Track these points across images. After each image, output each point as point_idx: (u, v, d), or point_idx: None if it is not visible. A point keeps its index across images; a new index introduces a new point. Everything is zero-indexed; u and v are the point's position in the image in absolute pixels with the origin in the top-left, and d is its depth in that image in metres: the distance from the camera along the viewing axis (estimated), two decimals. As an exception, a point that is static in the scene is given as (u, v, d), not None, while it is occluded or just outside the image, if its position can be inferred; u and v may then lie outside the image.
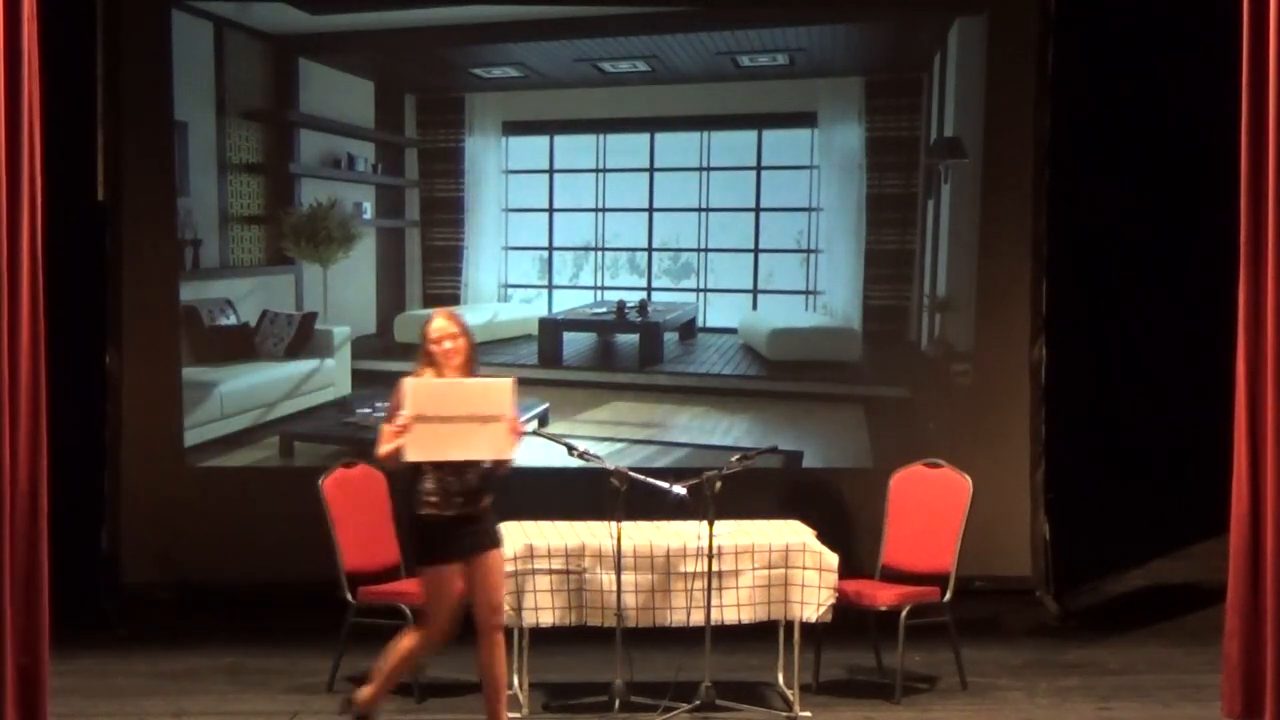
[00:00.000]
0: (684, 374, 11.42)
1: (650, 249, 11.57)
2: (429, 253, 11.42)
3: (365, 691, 7.37)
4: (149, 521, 10.56)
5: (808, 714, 8.01)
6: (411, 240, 11.43)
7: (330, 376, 11.12)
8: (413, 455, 7.07)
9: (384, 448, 7.13)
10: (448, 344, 7.26)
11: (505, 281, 11.53)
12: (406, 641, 7.31)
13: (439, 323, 7.35)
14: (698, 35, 11.15)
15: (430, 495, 7.16)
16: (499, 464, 7.22)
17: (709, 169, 11.46)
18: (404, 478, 7.25)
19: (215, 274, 10.96)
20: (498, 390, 7.08)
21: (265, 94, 11.08)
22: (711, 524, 7.78)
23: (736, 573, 7.95)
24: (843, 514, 9.27)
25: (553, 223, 11.51)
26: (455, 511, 7.14)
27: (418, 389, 7.10)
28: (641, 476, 7.91)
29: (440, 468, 7.13)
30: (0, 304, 6.62)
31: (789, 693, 8.15)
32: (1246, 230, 7.09)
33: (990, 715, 8.12)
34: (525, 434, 7.30)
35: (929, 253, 11.15)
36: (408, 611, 8.20)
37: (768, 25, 11.06)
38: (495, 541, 7.33)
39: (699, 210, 11.41)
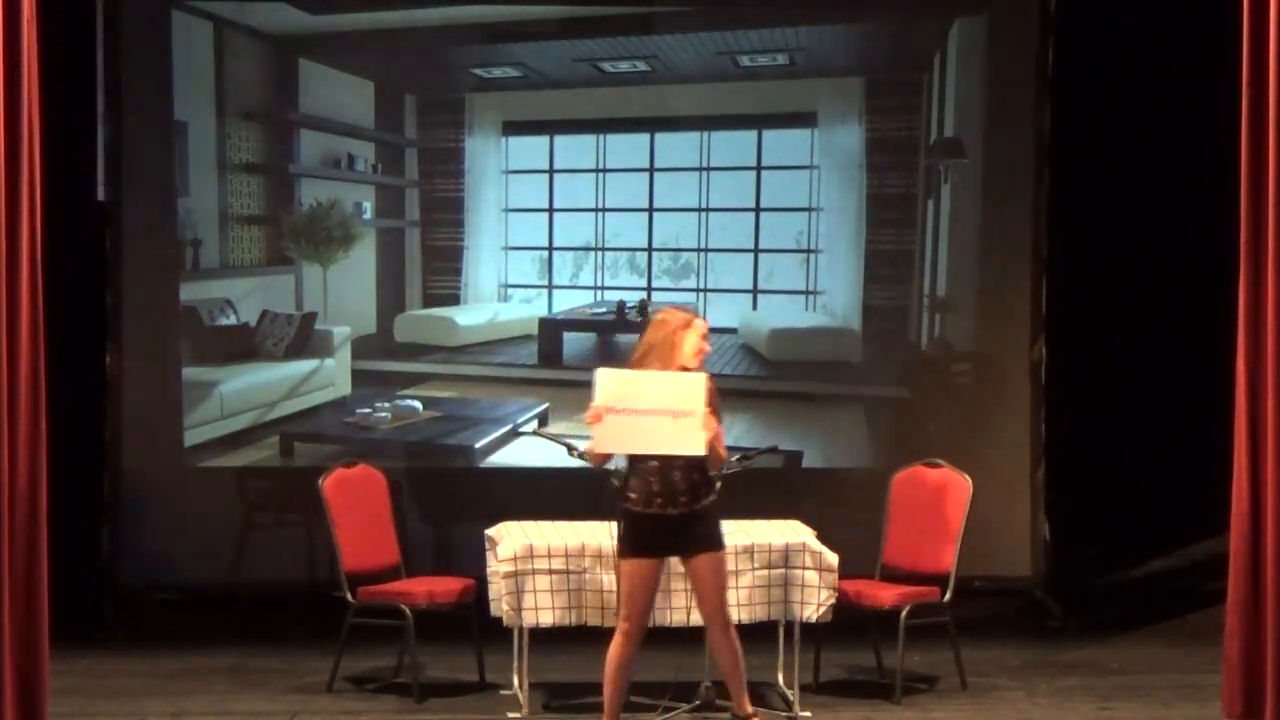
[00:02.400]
0: (684, 374, 11.40)
1: (650, 249, 11.57)
2: (429, 253, 11.41)
3: None
4: (149, 521, 10.55)
5: (808, 714, 8.01)
6: (411, 240, 11.43)
7: (330, 376, 11.12)
8: (601, 447, 7.10)
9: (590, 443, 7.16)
10: (708, 346, 7.24)
11: (505, 281, 11.53)
12: (612, 651, 7.27)
13: (701, 323, 7.26)
14: (698, 35, 11.14)
15: (633, 490, 7.19)
16: (714, 463, 7.19)
17: (709, 169, 11.45)
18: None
19: (215, 274, 10.95)
20: (690, 385, 7.01)
21: (265, 94, 11.08)
22: (711, 524, 7.77)
23: (736, 573, 7.94)
24: (843, 514, 9.26)
25: (553, 223, 11.51)
26: (656, 510, 7.14)
27: (609, 379, 7.05)
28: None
29: (649, 464, 7.13)
30: None
31: (789, 693, 8.15)
32: (1246, 230, 7.09)
33: (990, 715, 8.12)
34: (720, 429, 7.19)
35: (929, 253, 11.14)
36: (407, 611, 8.22)
37: (768, 25, 11.05)
38: (711, 544, 7.29)
39: (699, 210, 11.40)
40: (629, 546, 7.23)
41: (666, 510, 7.16)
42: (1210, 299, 8.55)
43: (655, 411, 6.98)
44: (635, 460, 7.20)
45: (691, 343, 7.18)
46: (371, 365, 11.22)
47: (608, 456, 7.23)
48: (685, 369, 7.15)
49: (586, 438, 7.28)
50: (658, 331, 7.24)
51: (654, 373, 7.14)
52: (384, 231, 11.36)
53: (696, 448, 7.04)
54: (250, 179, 11.04)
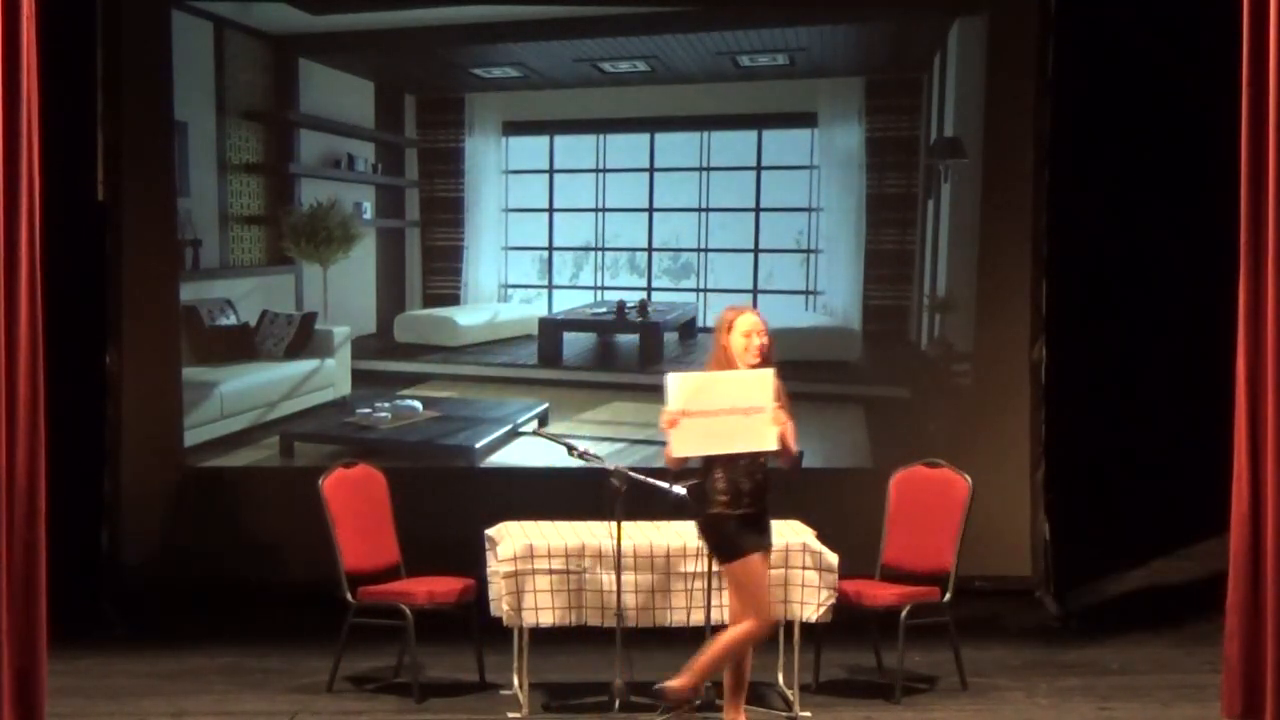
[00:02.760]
0: (684, 374, 11.40)
1: (650, 249, 11.57)
2: (429, 253, 11.42)
3: (680, 681, 7.26)
4: (149, 521, 10.56)
5: (808, 714, 8.01)
6: (411, 240, 11.43)
7: (330, 376, 11.12)
8: (679, 451, 7.13)
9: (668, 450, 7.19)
10: (757, 340, 7.24)
11: (505, 281, 11.54)
12: (737, 634, 7.24)
13: (751, 318, 7.29)
14: (698, 35, 11.15)
15: (721, 494, 7.20)
16: (786, 460, 7.27)
17: (709, 169, 11.46)
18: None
19: (215, 274, 10.96)
20: (759, 381, 7.09)
21: (265, 94, 11.08)
22: (712, 524, 7.77)
23: (736, 573, 7.94)
24: (843, 514, 9.25)
25: (553, 223, 11.52)
26: (743, 510, 7.19)
27: (680, 383, 7.11)
28: (641, 476, 7.90)
29: (730, 466, 7.17)
30: (-1, 304, 6.63)
31: (789, 693, 8.14)
32: (1246, 230, 7.09)
33: (990, 715, 8.12)
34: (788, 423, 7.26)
35: (929, 253, 11.14)
36: (407, 611, 8.21)
37: (768, 25, 11.05)
38: (769, 544, 7.37)
39: (699, 210, 11.41)
40: (739, 547, 7.21)
41: (752, 509, 7.23)
42: (1210, 299, 8.54)
43: (726, 411, 7.07)
44: (721, 461, 7.21)
45: (738, 343, 7.24)
46: (371, 365, 11.22)
47: (685, 460, 7.25)
48: (751, 366, 7.22)
49: (586, 438, 7.28)
50: (713, 338, 7.36)
51: (721, 373, 7.22)
52: (384, 231, 11.36)
53: (768, 443, 7.14)
54: (250, 179, 11.04)
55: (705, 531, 7.33)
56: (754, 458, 7.20)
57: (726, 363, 7.26)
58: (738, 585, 7.24)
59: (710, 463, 7.21)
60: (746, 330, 7.23)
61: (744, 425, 7.06)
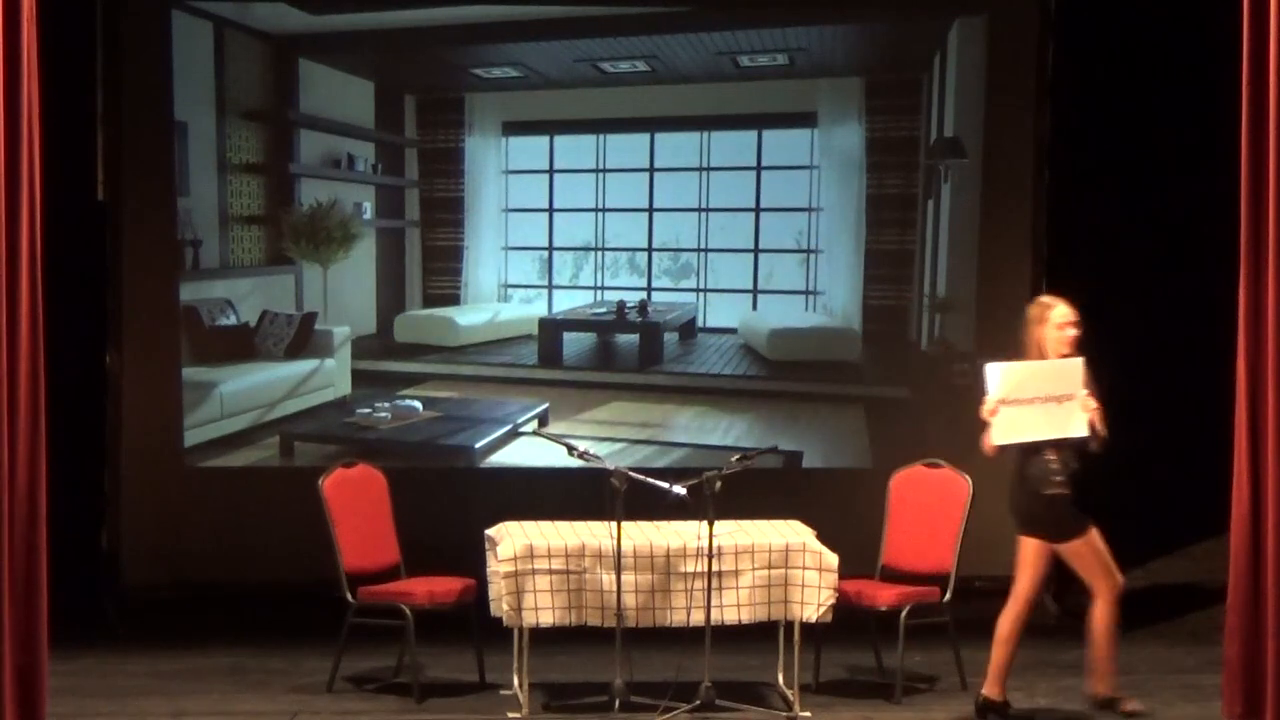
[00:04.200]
0: (684, 374, 11.42)
1: (650, 249, 11.57)
2: (429, 253, 11.42)
3: (1103, 686, 7.81)
4: (149, 521, 10.55)
5: (808, 714, 8.01)
6: (411, 240, 11.43)
7: (330, 376, 11.12)
8: (998, 438, 7.51)
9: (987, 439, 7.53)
10: (1069, 330, 7.56)
11: (505, 281, 11.54)
12: (1101, 618, 7.71)
13: (1063, 310, 7.62)
14: (698, 35, 11.15)
15: (1056, 475, 7.55)
16: (1098, 444, 7.57)
17: (709, 169, 11.46)
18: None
19: (215, 274, 10.96)
20: (1070, 369, 7.44)
21: (265, 94, 11.08)
22: (711, 524, 7.78)
23: (736, 573, 7.95)
24: (843, 514, 9.25)
25: (553, 223, 11.52)
26: (1068, 491, 7.53)
27: (999, 373, 7.47)
28: (641, 476, 7.92)
29: (1060, 447, 7.50)
30: None
31: (789, 693, 8.15)
32: (1246, 230, 7.08)
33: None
34: (1097, 410, 7.57)
35: (929, 253, 11.14)
36: (407, 611, 8.21)
37: (768, 25, 11.06)
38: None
39: (699, 210, 11.41)
40: (1083, 524, 7.62)
41: (1071, 490, 7.54)
42: (1210, 299, 8.54)
43: (1041, 399, 7.45)
44: (1050, 445, 7.51)
45: (1052, 334, 7.56)
46: (371, 365, 11.22)
47: (1002, 448, 7.57)
48: (1062, 356, 7.54)
49: (586, 438, 7.29)
50: (1024, 334, 7.65)
51: (1036, 362, 7.54)
52: (384, 231, 11.36)
53: (1080, 429, 7.48)
54: (250, 179, 11.04)
55: (1042, 512, 7.63)
56: (1075, 440, 7.52)
57: (1039, 353, 7.57)
58: (1084, 560, 7.66)
59: (1035, 447, 7.54)
60: (1060, 322, 7.58)
61: (1057, 412, 7.46)
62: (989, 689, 7.78)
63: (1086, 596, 7.94)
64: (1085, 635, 7.86)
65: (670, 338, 11.52)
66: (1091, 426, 7.53)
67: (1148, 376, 10.53)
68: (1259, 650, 7.10)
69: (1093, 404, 7.49)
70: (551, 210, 11.51)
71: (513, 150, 11.45)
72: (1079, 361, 7.50)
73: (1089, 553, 7.65)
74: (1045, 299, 7.77)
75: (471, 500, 10.07)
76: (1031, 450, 7.57)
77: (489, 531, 8.29)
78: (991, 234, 10.92)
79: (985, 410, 7.51)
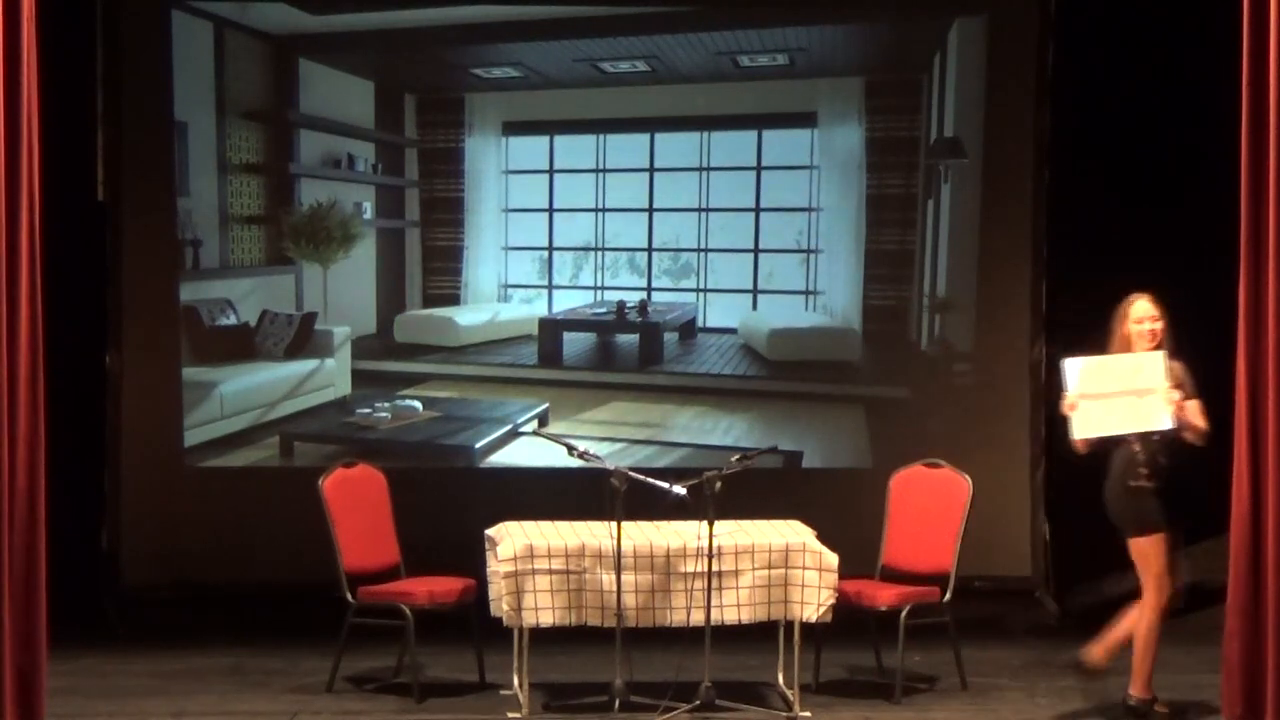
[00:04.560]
0: (684, 374, 11.42)
1: (650, 249, 11.57)
2: (429, 253, 11.42)
3: (1137, 688, 7.82)
4: (149, 521, 10.55)
5: (808, 714, 8.01)
6: (411, 240, 11.43)
7: (330, 376, 11.12)
8: (1079, 432, 7.61)
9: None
10: (1148, 325, 7.66)
11: (505, 281, 11.54)
12: (1144, 624, 7.72)
13: (1143, 305, 7.73)
14: (698, 35, 11.15)
15: (1142, 467, 7.62)
16: (1196, 436, 7.61)
17: (709, 169, 11.46)
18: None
19: (215, 274, 10.96)
20: (1151, 363, 7.51)
21: (265, 94, 11.08)
22: (711, 524, 7.78)
23: (736, 573, 7.95)
24: (843, 514, 9.25)
25: (553, 223, 11.52)
26: (1158, 484, 7.55)
27: (1078, 368, 7.61)
28: (641, 476, 7.91)
29: (1146, 440, 7.57)
30: (-1, 304, 6.62)
31: (789, 693, 8.15)
32: (1246, 230, 7.08)
33: (990, 715, 8.13)
34: (1180, 403, 7.61)
35: (929, 253, 11.14)
36: (407, 611, 8.21)
37: (768, 25, 11.06)
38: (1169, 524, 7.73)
39: (699, 210, 11.41)
40: (1156, 523, 7.61)
41: (1163, 483, 7.59)
42: (1210, 299, 8.54)
43: (1122, 393, 7.55)
44: (1138, 438, 7.59)
45: (1133, 329, 7.68)
46: (371, 365, 11.22)
47: (1089, 442, 7.64)
48: (1146, 350, 7.63)
49: (586, 438, 7.29)
50: (1114, 326, 7.76)
51: (1115, 356, 7.65)
52: (384, 231, 11.36)
53: (1162, 422, 7.52)
54: (250, 179, 11.04)
55: (1122, 502, 7.68)
56: (1164, 433, 7.57)
57: (1125, 348, 7.68)
58: (1144, 561, 7.68)
59: (1124, 437, 7.61)
60: (1139, 317, 7.70)
61: (1138, 405, 7.52)
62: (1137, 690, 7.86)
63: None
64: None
65: (670, 338, 11.52)
66: (1180, 419, 7.56)
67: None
68: (1259, 650, 7.10)
69: (1176, 396, 7.54)
70: (551, 210, 11.52)
71: (513, 150, 11.45)
72: (1159, 355, 7.58)
73: (1151, 555, 7.68)
74: (1132, 295, 7.84)
75: (471, 500, 10.07)
76: (1118, 444, 7.67)
77: (489, 531, 8.29)
78: (991, 234, 10.92)
79: (1065, 405, 7.63)
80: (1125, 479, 7.67)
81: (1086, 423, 7.62)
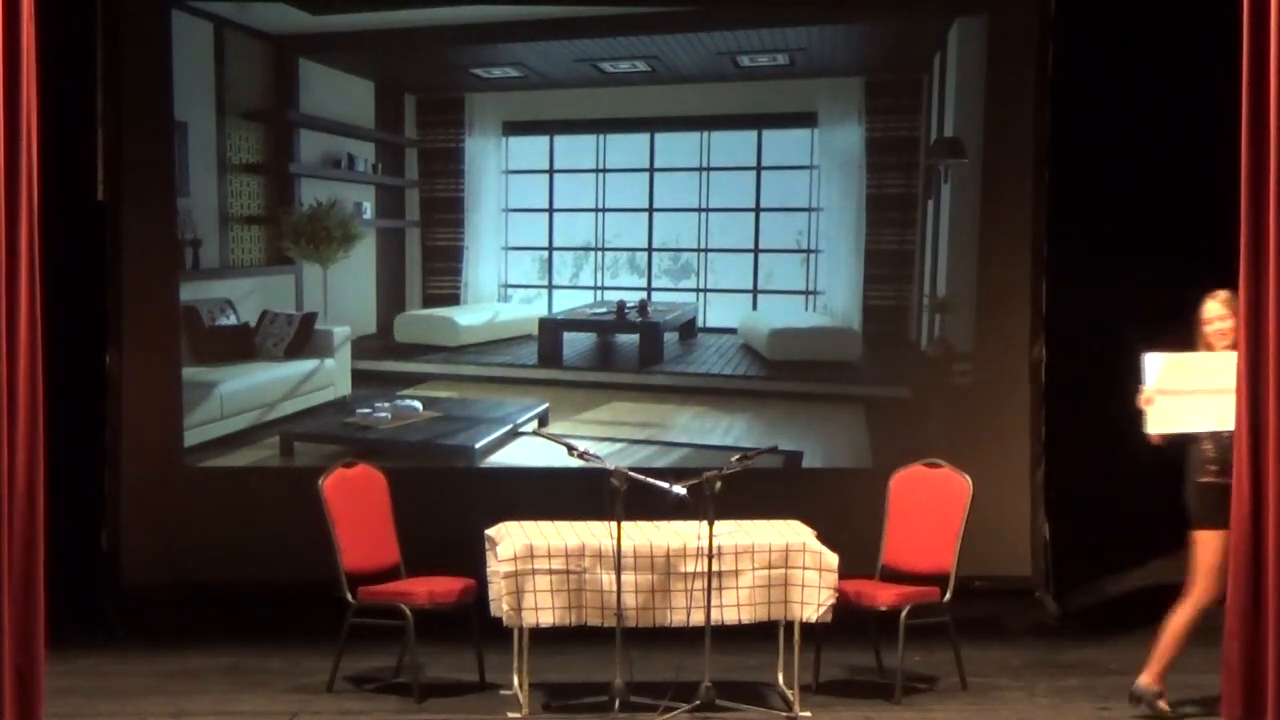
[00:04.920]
0: (684, 374, 11.42)
1: (650, 249, 11.57)
2: (429, 253, 11.42)
3: (1148, 676, 7.88)
4: (149, 521, 10.56)
5: (808, 714, 8.01)
6: (411, 240, 11.43)
7: (330, 376, 11.12)
8: (1153, 428, 7.74)
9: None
10: (1216, 325, 7.74)
11: (505, 281, 11.54)
12: (1181, 616, 7.79)
13: (1212, 306, 7.80)
14: (698, 35, 11.15)
15: (1212, 463, 7.67)
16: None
17: (709, 169, 11.46)
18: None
19: (215, 274, 10.96)
20: (1228, 363, 7.45)
21: (265, 94, 11.08)
22: (711, 524, 7.78)
23: (736, 573, 7.95)
24: (843, 514, 9.25)
25: (553, 223, 11.52)
26: (1228, 480, 7.45)
27: (1157, 364, 7.70)
28: (641, 476, 7.91)
29: (1217, 436, 7.61)
30: (-1, 304, 6.62)
31: (789, 693, 8.14)
32: (1247, 230, 7.08)
33: (990, 715, 8.12)
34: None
35: (929, 253, 11.15)
36: (407, 611, 8.21)
37: (768, 25, 11.06)
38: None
39: (699, 210, 11.41)
40: (1221, 520, 7.50)
41: (1230, 479, 7.48)
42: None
43: (1200, 391, 7.63)
44: (1209, 435, 7.67)
45: (1209, 330, 7.77)
46: (371, 365, 11.22)
47: (1164, 437, 7.76)
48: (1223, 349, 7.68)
49: (586, 438, 7.29)
50: (1198, 324, 7.84)
51: (1193, 354, 7.75)
52: (384, 231, 11.36)
53: (1235, 422, 7.46)
54: (250, 179, 11.04)
55: (1194, 496, 7.77)
56: (1234, 432, 7.54)
57: (1205, 347, 7.79)
58: (1204, 552, 7.71)
59: (1198, 434, 7.70)
60: (1208, 318, 7.79)
61: (1213, 404, 7.53)
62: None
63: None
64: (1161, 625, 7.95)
65: (670, 338, 11.53)
66: None
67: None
68: (1259, 651, 7.10)
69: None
70: (551, 210, 11.52)
71: (513, 150, 11.45)
72: (1233, 355, 7.52)
73: (1211, 550, 7.69)
74: (1212, 293, 7.86)
75: (471, 500, 10.07)
76: (1192, 440, 7.75)
77: (489, 531, 8.29)
78: (991, 234, 10.92)
79: (1141, 399, 7.71)
80: (1196, 475, 7.77)
81: (1161, 418, 7.72)
